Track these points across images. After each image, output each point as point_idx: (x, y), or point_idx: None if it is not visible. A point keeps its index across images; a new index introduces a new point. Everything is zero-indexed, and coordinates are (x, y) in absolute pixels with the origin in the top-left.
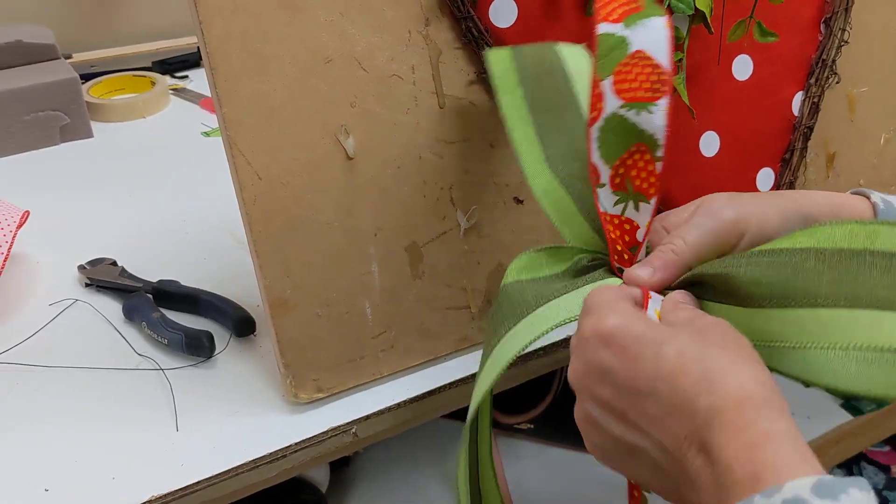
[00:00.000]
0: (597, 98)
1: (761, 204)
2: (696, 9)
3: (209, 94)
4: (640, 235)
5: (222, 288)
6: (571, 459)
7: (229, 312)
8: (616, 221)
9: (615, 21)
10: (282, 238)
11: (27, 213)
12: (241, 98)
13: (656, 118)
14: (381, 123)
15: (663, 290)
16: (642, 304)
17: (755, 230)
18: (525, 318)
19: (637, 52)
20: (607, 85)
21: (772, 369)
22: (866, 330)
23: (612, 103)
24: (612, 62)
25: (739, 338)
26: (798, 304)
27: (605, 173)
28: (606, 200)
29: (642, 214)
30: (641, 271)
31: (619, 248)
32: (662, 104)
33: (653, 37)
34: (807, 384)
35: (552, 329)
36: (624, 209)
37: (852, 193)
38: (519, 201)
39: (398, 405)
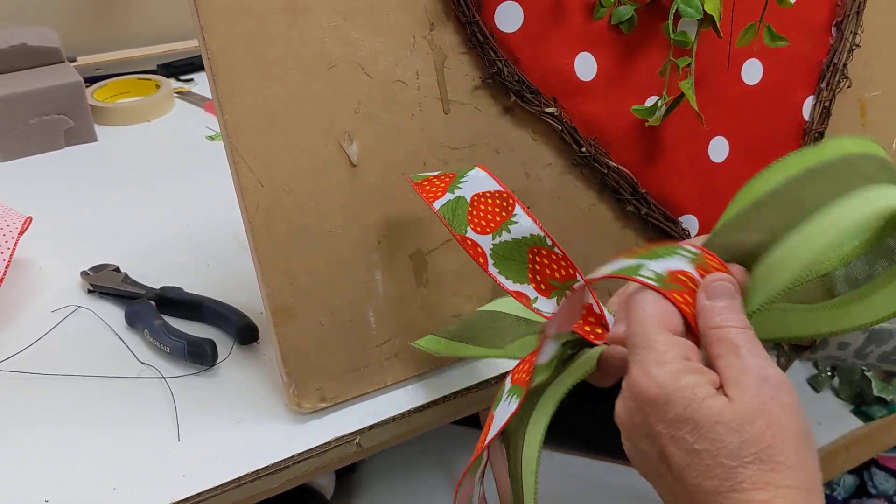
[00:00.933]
0: (472, 248)
1: None
2: (705, 13)
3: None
4: (595, 307)
5: (226, 294)
6: (578, 465)
7: (232, 320)
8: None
9: (441, 193)
10: (284, 246)
11: (29, 218)
12: (243, 103)
13: (522, 223)
14: (385, 129)
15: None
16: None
17: None
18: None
19: (473, 196)
20: (471, 234)
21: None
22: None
23: (485, 242)
24: (461, 218)
25: (785, 438)
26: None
27: (529, 291)
28: (549, 307)
29: (579, 292)
30: (618, 328)
31: (588, 328)
32: (518, 211)
33: (477, 182)
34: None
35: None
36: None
37: None
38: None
39: (402, 415)
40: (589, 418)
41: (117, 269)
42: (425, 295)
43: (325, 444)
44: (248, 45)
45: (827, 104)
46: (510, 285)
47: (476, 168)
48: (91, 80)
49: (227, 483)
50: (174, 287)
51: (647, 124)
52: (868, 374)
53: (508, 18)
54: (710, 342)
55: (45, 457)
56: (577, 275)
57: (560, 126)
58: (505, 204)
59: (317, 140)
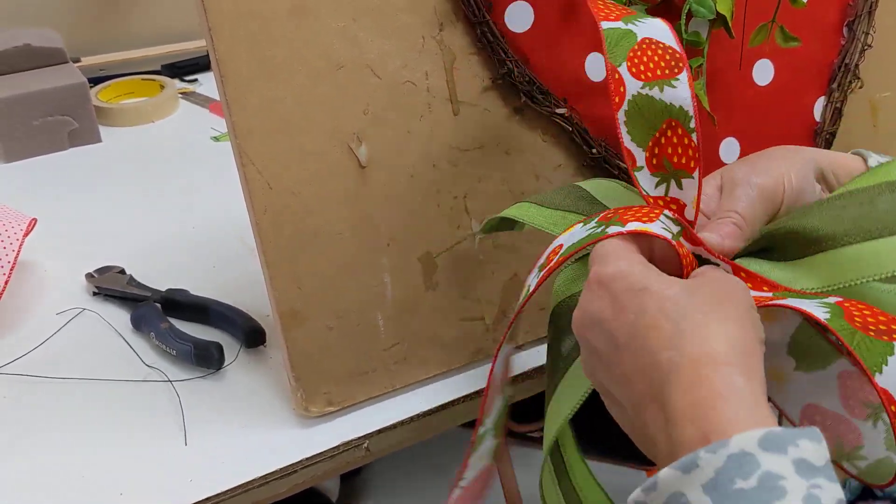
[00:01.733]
0: (616, 84)
1: (780, 163)
2: (717, 13)
3: (219, 98)
4: (689, 214)
5: (232, 297)
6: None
7: (239, 323)
8: (661, 203)
9: (615, 17)
10: (293, 248)
11: (34, 220)
12: (251, 105)
13: (681, 90)
14: (394, 131)
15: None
16: (644, 253)
17: (789, 187)
18: None
19: (644, 38)
20: (623, 70)
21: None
22: None
23: (632, 85)
24: (623, 50)
25: (733, 295)
26: (875, 235)
27: (640, 156)
28: (647, 183)
29: (687, 191)
30: (710, 235)
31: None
32: (683, 77)
33: (656, 29)
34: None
35: None
36: (667, 189)
37: (852, 154)
38: None
39: (411, 419)
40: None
41: (122, 272)
42: (434, 298)
43: (334, 448)
44: (256, 47)
45: (838, 105)
46: (627, 140)
47: (660, 20)
48: (95, 81)
49: (234, 488)
50: (180, 289)
51: None
52: None
53: (519, 19)
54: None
55: (51, 461)
56: (697, 169)
57: (571, 127)
58: (673, 63)
59: (325, 142)
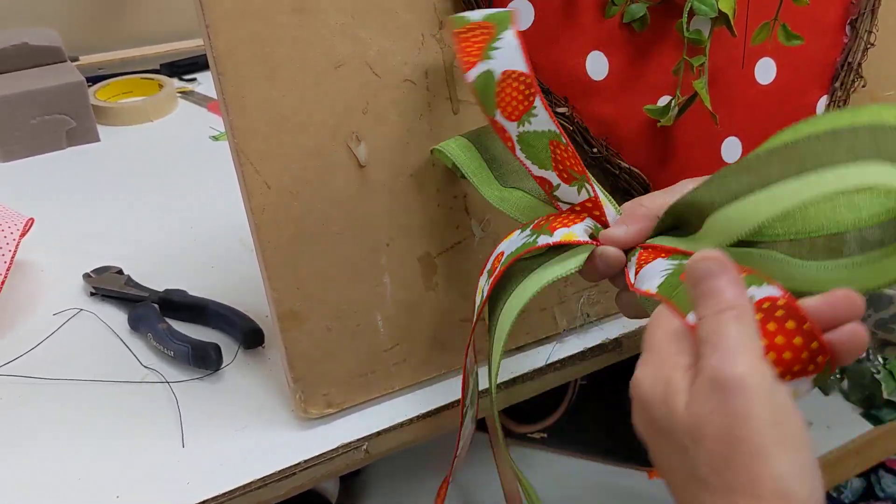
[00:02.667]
0: (501, 131)
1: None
2: (719, 11)
3: (217, 97)
4: (609, 215)
5: (231, 297)
6: (584, 468)
7: (238, 323)
8: (589, 205)
9: (475, 59)
10: (291, 249)
11: (31, 220)
12: (250, 104)
13: (541, 115)
14: (394, 130)
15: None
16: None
17: None
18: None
19: (502, 74)
20: (499, 117)
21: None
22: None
23: (512, 128)
24: (491, 98)
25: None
26: (732, 197)
27: (552, 177)
28: (570, 196)
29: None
30: (616, 230)
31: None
32: (538, 102)
33: (509, 54)
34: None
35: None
36: (589, 192)
37: None
38: None
39: (411, 420)
40: (602, 424)
41: (120, 272)
42: (434, 299)
43: (333, 450)
44: (254, 45)
45: (841, 104)
46: (535, 170)
47: (510, 30)
48: (93, 80)
49: (233, 490)
50: (178, 290)
51: (659, 124)
52: (878, 376)
53: (519, 17)
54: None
55: (47, 464)
56: (588, 178)
57: (571, 126)
58: (528, 92)
59: (324, 141)
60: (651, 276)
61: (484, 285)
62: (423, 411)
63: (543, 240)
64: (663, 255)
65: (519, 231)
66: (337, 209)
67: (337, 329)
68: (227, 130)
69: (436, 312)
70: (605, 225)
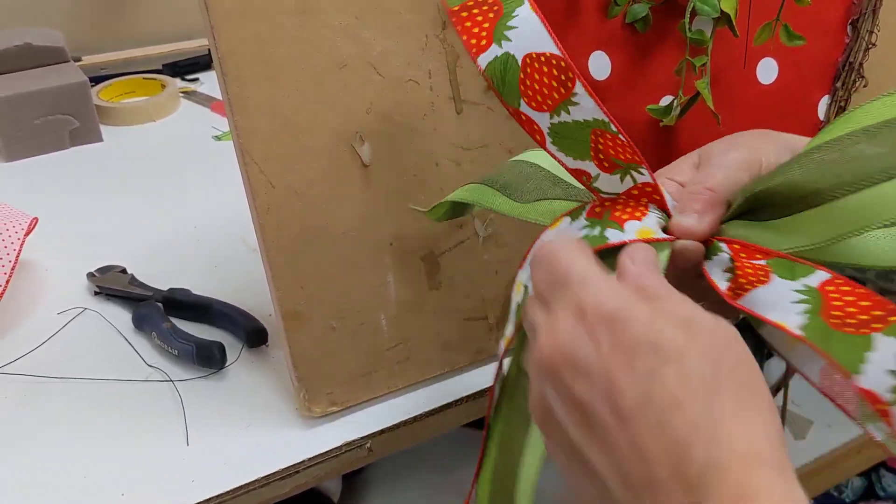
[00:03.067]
0: (528, 124)
1: (758, 141)
2: (721, 11)
3: (220, 98)
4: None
5: (234, 296)
6: None
7: (241, 323)
8: (637, 192)
9: (485, 41)
10: (295, 248)
11: (35, 219)
12: (254, 104)
13: (584, 104)
14: (398, 130)
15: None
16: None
17: (767, 163)
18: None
19: (525, 58)
20: (525, 108)
21: (833, 264)
22: None
23: (542, 119)
24: (513, 86)
25: (750, 364)
26: (857, 187)
27: (590, 167)
28: (611, 186)
29: (646, 178)
30: (688, 220)
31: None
32: (579, 88)
33: (530, 33)
34: (865, 269)
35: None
36: (633, 180)
37: None
38: None
39: (414, 419)
40: None
41: (124, 271)
42: (437, 298)
43: (336, 448)
44: (258, 46)
45: (843, 104)
46: (570, 163)
47: (525, 5)
48: (96, 80)
49: (237, 488)
50: (182, 289)
51: (661, 124)
52: None
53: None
54: None
55: (52, 462)
56: (644, 164)
57: None
58: (563, 78)
59: (328, 141)
60: (777, 304)
61: (526, 280)
62: (426, 410)
63: (615, 236)
64: (759, 256)
65: (568, 219)
66: (341, 209)
67: (340, 328)
68: (232, 130)
69: (439, 311)
70: (667, 211)
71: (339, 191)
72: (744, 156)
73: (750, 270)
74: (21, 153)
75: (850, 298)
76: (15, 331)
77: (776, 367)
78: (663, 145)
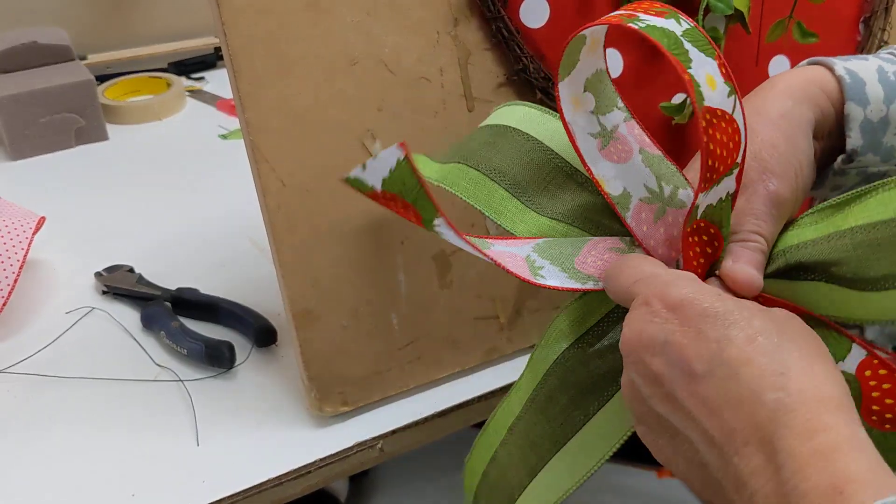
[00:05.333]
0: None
1: (788, 149)
2: (735, 8)
3: (226, 96)
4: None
5: (241, 296)
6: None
7: (250, 322)
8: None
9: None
10: (306, 247)
11: (43, 218)
12: (265, 102)
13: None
14: (409, 127)
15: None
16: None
17: (801, 186)
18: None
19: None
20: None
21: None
22: None
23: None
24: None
25: (813, 335)
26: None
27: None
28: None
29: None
30: (745, 274)
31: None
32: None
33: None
34: None
35: None
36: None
37: (809, 64)
38: None
39: (426, 419)
40: None
41: (131, 270)
42: (448, 297)
43: (348, 448)
44: (270, 43)
45: None
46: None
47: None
48: (101, 79)
49: (248, 489)
50: (190, 288)
51: (674, 122)
52: None
53: (534, 14)
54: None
55: (62, 462)
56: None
57: None
58: (735, 142)
59: (339, 138)
60: None
61: (593, 285)
62: (437, 410)
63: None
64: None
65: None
66: (352, 207)
67: (352, 327)
68: (243, 127)
69: (450, 311)
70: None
71: (350, 189)
72: (783, 193)
73: None
74: (27, 151)
75: (886, 386)
76: (24, 330)
77: None
78: (676, 143)
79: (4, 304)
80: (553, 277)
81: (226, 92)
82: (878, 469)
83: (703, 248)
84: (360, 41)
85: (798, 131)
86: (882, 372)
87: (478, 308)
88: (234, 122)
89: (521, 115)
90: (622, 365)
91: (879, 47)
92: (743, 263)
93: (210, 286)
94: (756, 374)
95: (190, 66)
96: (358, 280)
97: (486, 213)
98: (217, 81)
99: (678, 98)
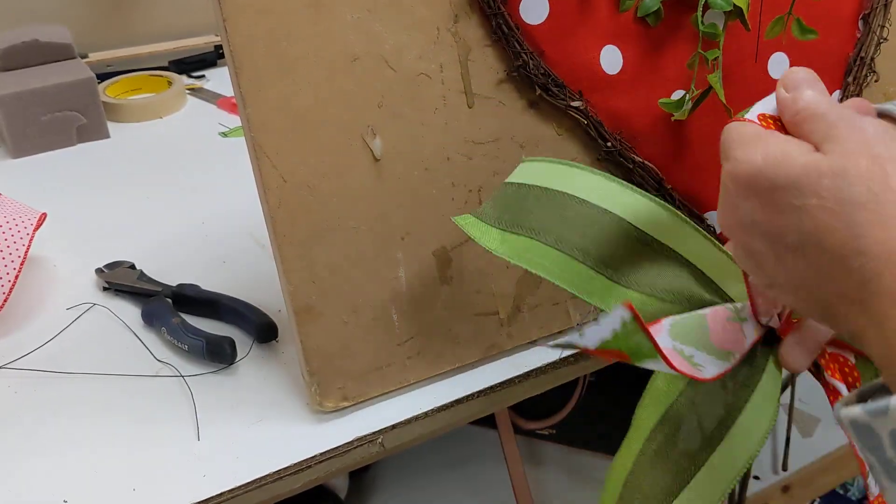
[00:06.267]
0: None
1: None
2: (734, 5)
3: (226, 94)
4: None
5: (242, 292)
6: (593, 464)
7: (251, 318)
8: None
9: None
10: (307, 243)
11: (44, 214)
12: (266, 99)
13: None
14: (409, 124)
15: None
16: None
17: None
18: None
19: None
20: None
21: None
22: None
23: None
24: None
25: (886, 171)
26: None
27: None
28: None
29: None
30: (801, 359)
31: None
32: None
33: None
34: None
35: None
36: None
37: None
38: None
39: (426, 414)
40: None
41: (132, 267)
42: (449, 293)
43: (348, 443)
44: (271, 41)
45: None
46: None
47: None
48: (102, 77)
49: (248, 483)
50: (191, 284)
51: (673, 118)
52: None
53: (534, 10)
54: (799, 128)
55: (63, 457)
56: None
57: (586, 120)
58: None
59: (340, 135)
60: None
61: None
62: (438, 405)
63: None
64: (847, 370)
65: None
66: (352, 203)
67: (353, 323)
68: (244, 125)
69: (451, 306)
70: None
71: (350, 185)
72: None
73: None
74: (28, 149)
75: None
76: (24, 326)
77: None
78: (675, 140)
79: (6, 301)
80: (710, 365)
81: (226, 90)
82: None
83: None
84: (361, 38)
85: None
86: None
87: (478, 304)
88: (234, 120)
89: (582, 184)
90: None
91: (879, 45)
92: (800, 346)
93: (211, 283)
94: (836, 242)
95: (190, 64)
96: (358, 275)
97: (576, 293)
98: (217, 80)
99: (677, 94)
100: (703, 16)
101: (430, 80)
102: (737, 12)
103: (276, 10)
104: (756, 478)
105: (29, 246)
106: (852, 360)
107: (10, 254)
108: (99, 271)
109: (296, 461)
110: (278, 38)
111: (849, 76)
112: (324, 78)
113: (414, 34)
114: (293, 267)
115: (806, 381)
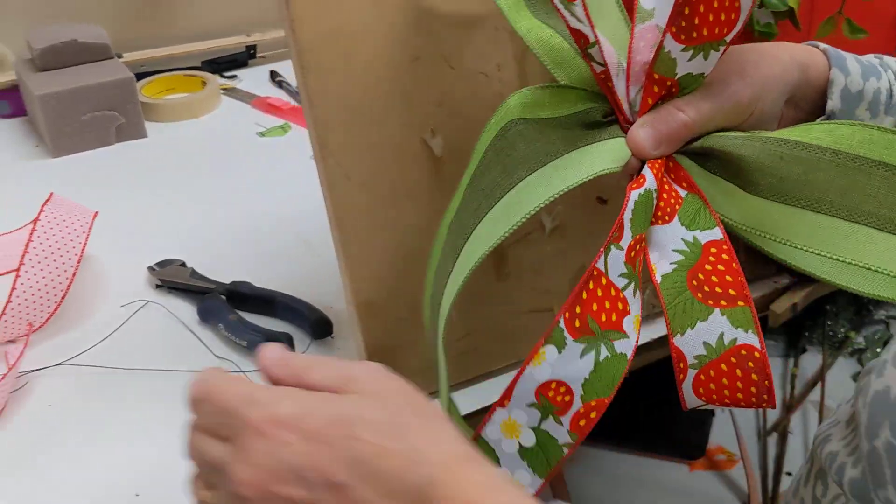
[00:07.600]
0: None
1: (769, 84)
2: (787, 5)
3: (260, 94)
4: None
5: (291, 289)
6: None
7: (306, 314)
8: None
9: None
10: (369, 240)
11: (96, 213)
12: (332, 97)
13: None
14: (468, 122)
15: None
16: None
17: (758, 113)
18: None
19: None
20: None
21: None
22: (861, 247)
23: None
24: None
25: (420, 398)
26: (801, 204)
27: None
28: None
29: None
30: (646, 141)
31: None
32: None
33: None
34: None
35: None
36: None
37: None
38: (602, 201)
39: (481, 410)
40: (617, 413)
41: (184, 264)
42: (504, 290)
43: None
44: (336, 39)
45: None
46: (573, 22)
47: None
48: (136, 77)
49: None
50: (244, 282)
51: None
52: None
53: None
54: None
55: (132, 451)
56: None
57: None
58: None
59: (401, 134)
60: (663, 247)
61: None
62: (492, 402)
63: (622, 346)
64: (684, 185)
65: (554, 349)
66: (413, 201)
67: (410, 319)
68: (310, 123)
69: (506, 303)
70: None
71: (410, 183)
72: (739, 107)
73: (664, 189)
74: (68, 149)
75: (721, 268)
76: (81, 323)
77: (810, 361)
78: None
79: (63, 297)
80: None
81: (260, 90)
82: (526, 496)
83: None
84: (422, 37)
85: (782, 75)
86: (725, 256)
87: (533, 300)
88: (270, 120)
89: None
90: None
91: None
92: (647, 127)
93: (260, 280)
94: (394, 462)
95: (222, 64)
96: (416, 273)
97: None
98: (249, 80)
99: None
100: (756, 14)
101: (488, 79)
102: (788, 12)
103: (341, 10)
104: (788, 474)
105: (85, 244)
106: (683, 195)
107: (68, 251)
108: (151, 269)
109: None
110: (343, 36)
111: None
112: (386, 77)
113: (472, 33)
114: (356, 263)
115: (835, 378)
